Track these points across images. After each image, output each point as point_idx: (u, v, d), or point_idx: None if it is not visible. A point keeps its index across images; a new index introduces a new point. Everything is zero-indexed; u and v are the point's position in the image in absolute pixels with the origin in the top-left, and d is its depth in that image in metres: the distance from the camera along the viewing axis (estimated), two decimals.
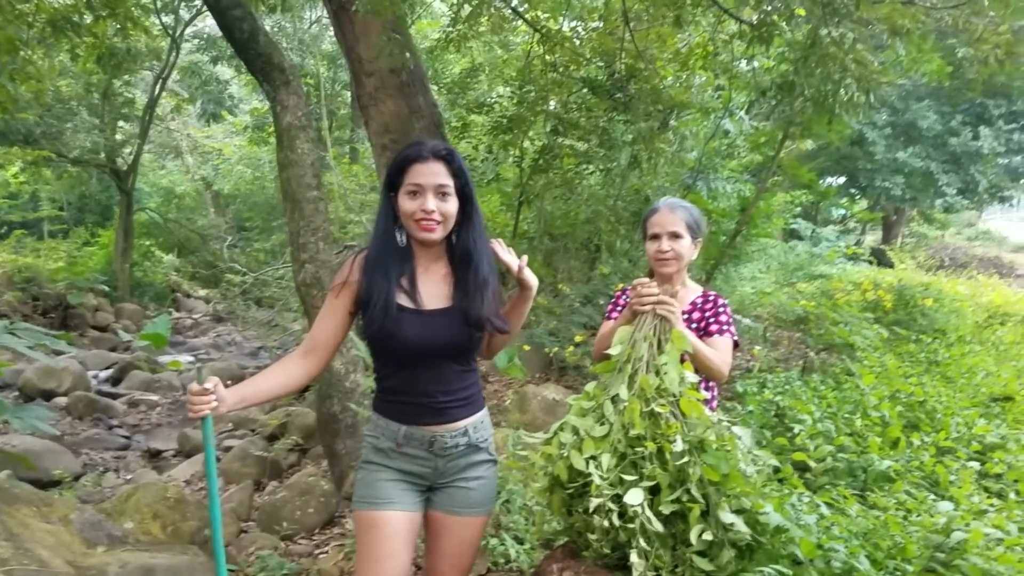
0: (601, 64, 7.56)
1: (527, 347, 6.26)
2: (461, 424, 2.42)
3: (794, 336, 7.68)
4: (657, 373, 2.28)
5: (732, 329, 2.80)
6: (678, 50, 7.30)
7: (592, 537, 2.20)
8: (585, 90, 7.67)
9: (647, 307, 2.43)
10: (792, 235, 15.56)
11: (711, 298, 2.87)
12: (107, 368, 10.84)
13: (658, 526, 2.07)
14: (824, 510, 2.43)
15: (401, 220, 2.32)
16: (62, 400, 8.80)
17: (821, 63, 5.24)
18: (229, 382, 6.65)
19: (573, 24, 7.78)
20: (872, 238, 26.46)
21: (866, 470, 3.44)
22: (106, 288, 15.03)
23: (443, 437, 2.38)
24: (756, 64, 7.56)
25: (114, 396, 9.44)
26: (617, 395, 2.26)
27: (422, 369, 2.35)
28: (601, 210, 7.55)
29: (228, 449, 6.87)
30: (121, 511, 4.11)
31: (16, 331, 3.07)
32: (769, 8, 5.78)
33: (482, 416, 2.50)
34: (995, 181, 19.19)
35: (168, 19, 15.01)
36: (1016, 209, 32.00)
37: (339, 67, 17.59)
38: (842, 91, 5.12)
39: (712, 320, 2.78)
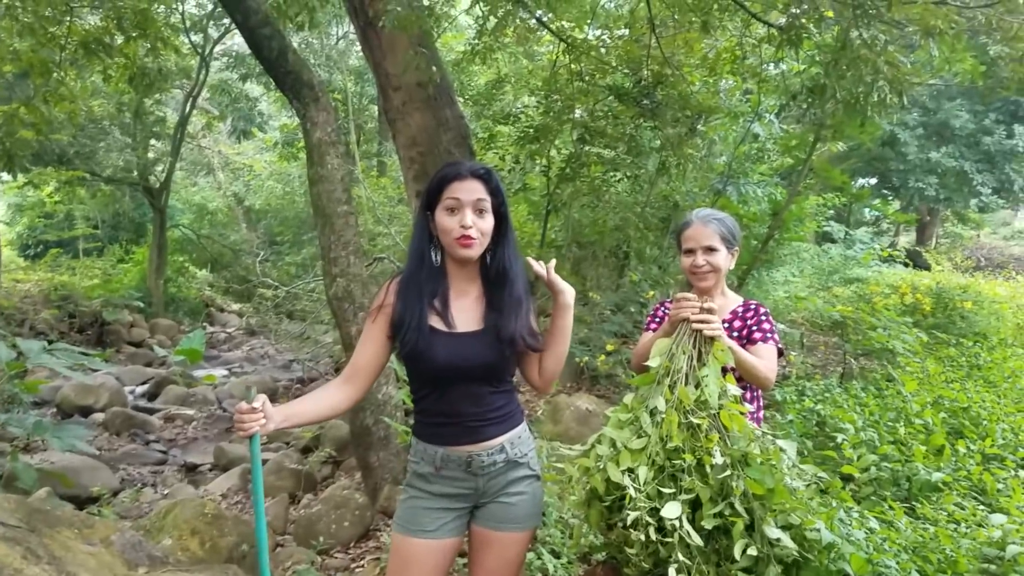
0: (627, 71, 7.53)
1: None
2: (497, 441, 2.40)
3: (830, 341, 7.57)
4: (697, 386, 2.25)
5: (776, 336, 2.76)
6: (705, 55, 7.26)
7: (631, 551, 2.16)
8: (611, 98, 7.65)
9: (686, 319, 2.40)
10: (825, 238, 15.40)
11: (752, 306, 2.85)
12: (143, 383, 10.96)
13: (698, 540, 2.04)
14: (873, 524, 2.37)
15: (438, 238, 2.33)
16: (99, 416, 8.90)
17: (852, 65, 5.18)
18: (264, 395, 6.67)
19: (598, 33, 7.77)
20: (906, 239, 26.13)
21: (911, 480, 3.38)
22: (141, 304, 15.22)
23: (480, 456, 2.37)
24: (784, 67, 7.50)
25: (150, 411, 9.54)
26: (655, 407, 2.23)
27: (454, 390, 2.35)
28: (630, 217, 7.50)
29: (264, 462, 6.90)
30: (159, 528, 4.14)
31: (54, 351, 3.10)
32: (798, 11, 5.74)
33: (520, 431, 2.47)
34: None
35: (197, 38, 15.21)
36: None
37: (366, 82, 17.71)
38: (874, 93, 5.05)
39: (755, 328, 2.76)
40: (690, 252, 2.80)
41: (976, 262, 20.73)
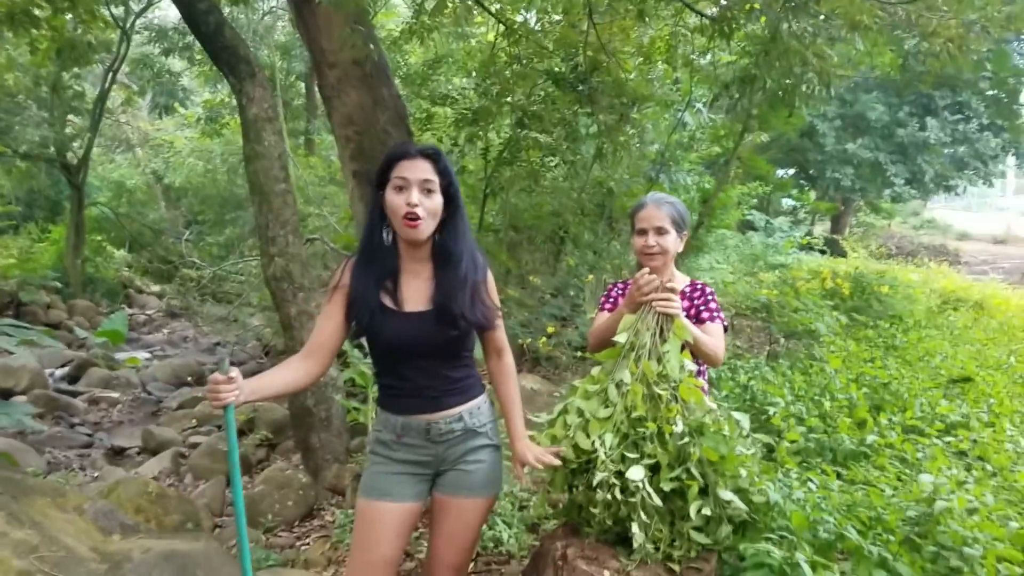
0: (564, 57, 7.61)
1: None
2: (456, 410, 2.50)
3: (755, 324, 7.86)
4: (659, 360, 2.38)
5: (722, 315, 2.93)
6: (640, 43, 7.38)
7: (594, 511, 2.32)
8: (549, 82, 7.72)
9: (648, 299, 2.54)
10: (747, 226, 15.84)
11: (699, 286, 3.01)
12: (63, 366, 10.61)
13: (657, 501, 2.22)
14: (812, 486, 2.53)
15: (388, 218, 2.39)
16: (21, 398, 8.60)
17: (782, 57, 5.37)
18: (190, 378, 6.58)
19: (536, 17, 7.82)
20: (821, 228, 27.01)
21: (835, 450, 3.58)
22: (58, 285, 14.72)
23: (438, 424, 2.48)
24: (714, 58, 7.68)
25: (73, 394, 9.27)
26: (621, 380, 2.35)
27: (407, 365, 2.45)
28: (567, 202, 7.61)
29: (195, 446, 6.82)
30: None
31: (3, 328, 3.02)
32: (727, 3, 5.90)
33: (479, 402, 2.57)
34: (941, 171, 19.74)
35: (118, 11, 14.71)
36: (959, 198, 32.92)
37: (293, 58, 17.37)
38: (803, 84, 5.25)
39: (703, 308, 2.91)
40: (642, 232, 2.93)
41: (888, 250, 21.56)
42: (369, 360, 3.00)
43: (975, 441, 3.63)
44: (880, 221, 28.76)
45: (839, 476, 3.04)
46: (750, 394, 4.46)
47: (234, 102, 16.76)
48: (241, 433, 7.00)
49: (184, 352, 12.56)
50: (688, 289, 2.98)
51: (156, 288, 18.05)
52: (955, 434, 3.76)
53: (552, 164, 8.32)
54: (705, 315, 2.89)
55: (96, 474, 6.63)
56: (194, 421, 7.89)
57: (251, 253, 12.75)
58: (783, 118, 7.47)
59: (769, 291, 6.24)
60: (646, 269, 2.67)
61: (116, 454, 7.46)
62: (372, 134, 6.92)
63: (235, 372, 2.15)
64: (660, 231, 2.89)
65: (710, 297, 2.95)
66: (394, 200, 2.33)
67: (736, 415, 2.38)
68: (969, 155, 19.19)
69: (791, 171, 21.80)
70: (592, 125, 8.02)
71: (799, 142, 19.34)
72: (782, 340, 6.02)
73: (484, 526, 3.51)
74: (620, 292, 3.10)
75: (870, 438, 3.49)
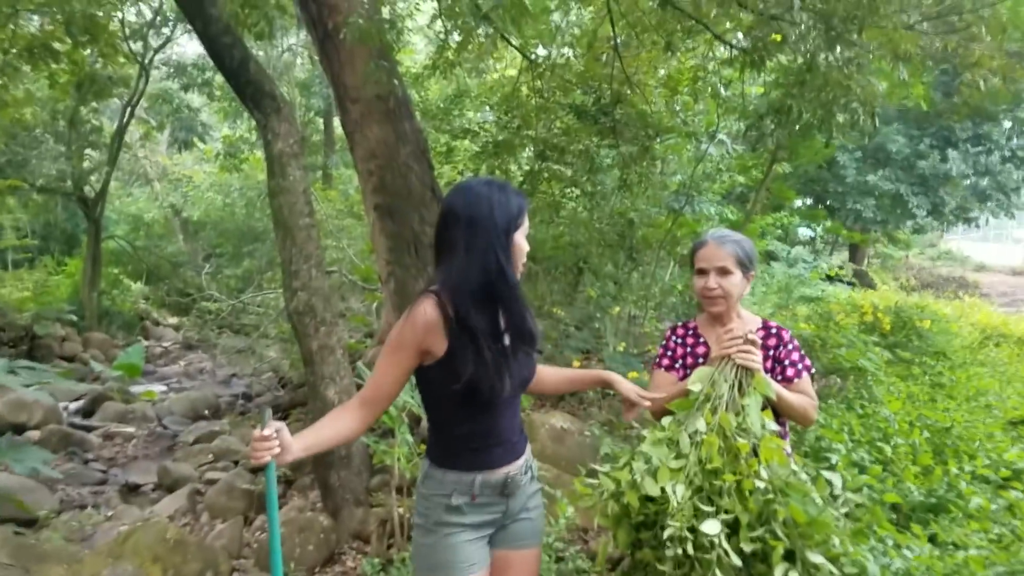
0: (587, 90, 7.55)
1: None
2: (525, 456, 2.39)
3: None
4: (737, 414, 2.22)
5: (807, 362, 2.69)
6: (669, 75, 7.32)
7: (663, 569, 2.10)
8: (570, 115, 7.66)
9: (728, 352, 2.40)
10: (769, 257, 15.70)
11: (773, 331, 2.74)
12: (77, 400, 10.51)
13: (736, 560, 1.99)
14: (907, 552, 2.36)
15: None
16: (34, 434, 8.50)
17: (820, 87, 5.26)
18: (207, 412, 6.44)
19: (560, 51, 7.78)
20: (838, 259, 26.80)
21: (901, 502, 3.38)
22: (73, 318, 14.67)
23: (515, 476, 2.33)
24: (745, 89, 7.60)
25: (87, 429, 9.14)
26: (696, 429, 2.18)
27: (496, 411, 2.29)
28: (590, 234, 7.51)
29: (212, 482, 6.68)
30: (119, 554, 3.93)
31: (16, 369, 2.92)
32: (758, 33, 5.81)
33: (528, 441, 2.46)
34: (962, 203, 19.55)
35: (137, 46, 14.83)
36: (976, 230, 32.66)
37: (312, 94, 17.52)
38: (846, 114, 5.14)
39: (787, 363, 2.66)
40: (702, 273, 2.69)
41: (918, 282, 21.36)
42: (420, 404, 2.79)
43: None
44: (898, 252, 28.51)
45: (931, 539, 2.83)
46: (804, 439, 4.27)
47: (253, 137, 17.01)
48: (257, 469, 6.86)
49: (201, 384, 12.46)
50: (762, 334, 2.69)
51: (173, 320, 18.04)
52: None
53: (572, 195, 8.24)
54: (791, 371, 2.63)
55: (111, 512, 6.49)
56: (211, 456, 7.75)
57: (269, 285, 12.72)
58: (813, 149, 7.36)
59: (807, 325, 6.08)
60: (732, 324, 2.52)
61: (131, 491, 7.32)
62: (394, 168, 6.88)
63: (277, 426, 2.02)
64: (723, 272, 2.63)
65: (791, 347, 2.68)
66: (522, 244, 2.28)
67: (827, 474, 2.15)
68: (991, 187, 19.01)
69: (808, 201, 21.64)
70: (611, 157, 7.94)
71: (818, 173, 19.20)
72: (835, 379, 5.78)
73: None
74: (680, 342, 2.84)
75: (935, 491, 3.30)
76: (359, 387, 5.46)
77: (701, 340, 2.77)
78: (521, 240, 2.25)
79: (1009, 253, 36.15)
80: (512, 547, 2.36)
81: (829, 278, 13.45)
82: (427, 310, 2.16)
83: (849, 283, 15.08)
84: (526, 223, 2.28)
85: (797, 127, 6.41)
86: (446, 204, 2.28)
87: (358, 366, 5.99)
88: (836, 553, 2.07)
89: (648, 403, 2.51)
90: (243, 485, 6.24)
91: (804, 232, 21.11)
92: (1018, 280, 30.17)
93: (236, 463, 7.35)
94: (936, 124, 18.08)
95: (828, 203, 20.27)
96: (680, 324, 2.88)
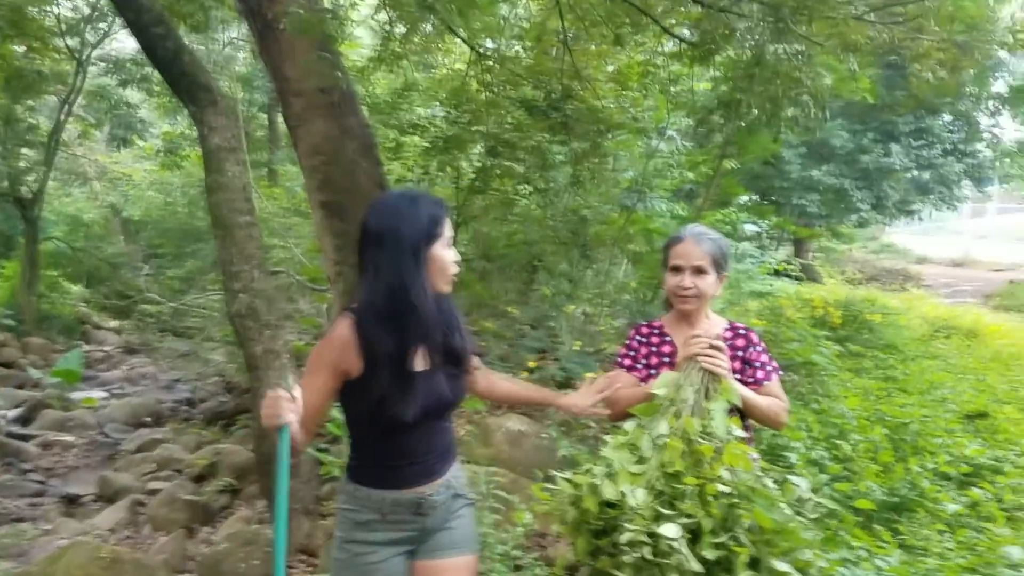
0: (537, 84, 7.43)
1: None
2: (445, 477, 2.31)
3: None
4: (702, 419, 2.12)
5: (774, 363, 2.61)
6: (619, 69, 7.23)
7: None
8: (521, 110, 7.53)
9: (694, 355, 2.31)
10: None
11: (741, 332, 2.65)
12: (15, 407, 10.11)
13: (697, 566, 1.90)
14: (881, 564, 2.27)
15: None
16: None
17: (770, 80, 5.20)
18: (149, 419, 6.22)
19: (509, 44, 7.65)
20: (783, 254, 27.14)
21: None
22: (11, 322, 14.18)
23: (430, 497, 2.26)
24: (693, 85, 7.56)
25: (25, 438, 8.76)
26: (659, 433, 2.08)
27: (414, 432, 2.23)
28: (544, 231, 7.40)
29: (154, 492, 6.43)
30: (50, 575, 3.71)
31: None
32: (707, 27, 5.75)
33: (457, 461, 2.41)
34: (904, 196, 19.89)
35: (73, 42, 14.35)
36: (917, 223, 33.39)
37: (254, 89, 17.15)
38: (797, 107, 5.08)
39: (757, 365, 2.58)
40: (677, 271, 2.59)
41: (864, 275, 21.69)
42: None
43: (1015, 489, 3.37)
44: (841, 246, 28.95)
45: (902, 545, 2.75)
46: (760, 437, 4.19)
47: (194, 133, 16.55)
48: (201, 478, 6.64)
49: (143, 390, 12.07)
50: (729, 335, 2.62)
51: (114, 324, 17.53)
52: (989, 480, 3.54)
53: (525, 192, 8.11)
54: (760, 374, 2.56)
55: (48, 526, 6.20)
56: (154, 465, 7.47)
57: (212, 287, 12.41)
58: (761, 144, 7.35)
59: (758, 321, 6.04)
60: (699, 328, 2.45)
61: (70, 502, 7.02)
62: (340, 164, 6.68)
63: (298, 392, 1.96)
64: (698, 271, 2.55)
65: (760, 348, 2.61)
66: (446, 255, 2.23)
67: (794, 479, 2.08)
68: (933, 180, 19.35)
69: (755, 197, 21.84)
70: (563, 153, 7.84)
71: (763, 169, 19.36)
72: (788, 375, 5.75)
73: None
74: (643, 340, 2.73)
75: (897, 489, 3.25)
76: None
77: (667, 339, 2.68)
78: (442, 252, 2.20)
79: (949, 245, 37.06)
80: (439, 557, 2.31)
81: (776, 273, 13.52)
82: (342, 330, 2.16)
83: (796, 278, 15.22)
84: (447, 233, 2.22)
85: (745, 122, 6.37)
86: (362, 222, 2.25)
87: None
88: (804, 563, 1.98)
89: (596, 399, 2.45)
90: (186, 496, 6.02)
91: (750, 228, 21.31)
92: (958, 272, 30.93)
93: (179, 472, 7.10)
94: (878, 119, 18.35)
95: (773, 199, 20.47)
96: (644, 323, 2.79)
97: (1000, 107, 11.90)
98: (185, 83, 5.28)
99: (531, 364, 6.15)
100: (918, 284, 22.11)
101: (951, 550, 2.58)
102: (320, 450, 4.56)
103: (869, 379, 5.67)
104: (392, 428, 2.18)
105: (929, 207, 20.84)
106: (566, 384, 6.22)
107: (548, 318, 7.01)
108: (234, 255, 5.17)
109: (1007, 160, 17.92)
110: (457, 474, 2.39)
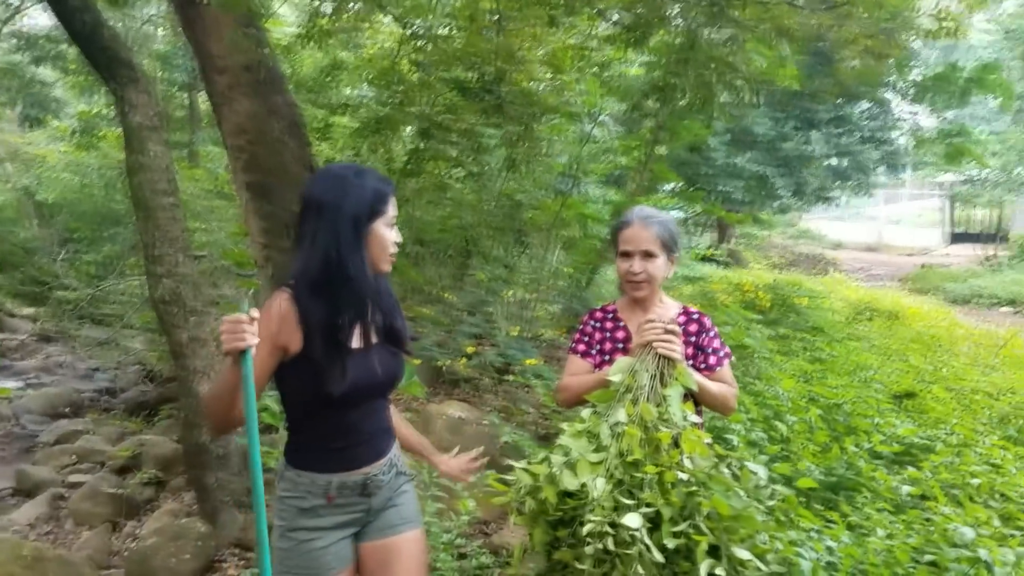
0: (471, 65, 7.32)
1: (417, 360, 5.93)
2: (388, 456, 2.28)
3: None
4: (658, 405, 2.09)
5: (727, 349, 2.61)
6: (552, 52, 7.17)
7: (581, 568, 1.95)
8: (454, 91, 7.42)
9: (649, 341, 2.27)
10: None
11: (695, 317, 2.63)
12: None
13: (659, 556, 1.87)
14: (833, 545, 2.27)
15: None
16: None
17: (704, 64, 5.22)
18: (67, 409, 5.97)
19: (441, 24, 7.52)
20: (706, 239, 27.63)
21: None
22: None
23: (377, 477, 2.21)
24: (625, 71, 7.55)
25: None
26: (616, 420, 2.03)
27: (360, 412, 2.19)
28: (478, 216, 7.31)
29: (75, 486, 6.17)
30: None
31: None
32: (641, 10, 5.74)
33: (395, 439, 2.38)
34: (823, 183, 20.37)
35: None
36: (834, 209, 34.36)
37: (174, 67, 16.60)
38: (730, 92, 5.11)
39: (710, 351, 2.57)
40: (626, 256, 2.55)
41: (787, 260, 22.22)
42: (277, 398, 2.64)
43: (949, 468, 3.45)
44: (761, 232, 29.57)
45: (851, 527, 2.78)
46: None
47: (111, 112, 15.94)
48: (125, 470, 6.40)
49: (61, 379, 11.59)
50: (683, 320, 2.59)
51: (29, 311, 16.82)
52: (922, 459, 3.62)
53: (458, 176, 8.01)
54: (712, 359, 2.55)
55: None
56: (74, 457, 7.16)
57: (132, 272, 12.00)
58: (692, 130, 7.39)
59: (693, 306, 6.10)
60: (653, 312, 2.41)
61: None
62: (266, 144, 6.51)
63: (256, 313, 1.86)
64: (647, 255, 2.51)
65: (713, 333, 2.60)
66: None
67: (752, 465, 2.06)
68: (851, 167, 19.86)
69: (681, 184, 22.10)
70: (497, 136, 7.76)
71: (688, 156, 19.58)
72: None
73: None
74: (597, 326, 2.69)
75: (840, 468, 3.30)
76: None
77: (621, 324, 2.65)
78: (381, 230, 2.15)
79: (863, 231, 38.28)
80: (384, 535, 2.27)
81: (704, 259, 13.72)
82: (281, 303, 2.09)
83: (723, 263, 15.50)
84: (391, 212, 2.17)
85: (679, 106, 6.39)
86: (303, 190, 2.21)
87: None
88: (763, 549, 1.97)
89: (470, 478, 2.55)
90: (109, 489, 5.78)
91: (675, 214, 21.59)
92: (872, 256, 32.02)
93: (101, 464, 6.83)
94: (799, 107, 18.72)
95: (699, 185, 20.77)
96: (598, 308, 2.76)
97: (919, 95, 12.28)
98: (104, 59, 5.04)
99: (469, 350, 6.08)
100: (835, 268, 22.76)
101: (901, 530, 2.62)
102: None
103: (800, 361, 5.78)
104: (331, 405, 2.11)
105: (846, 194, 21.37)
106: (505, 371, 6.17)
107: (484, 304, 6.95)
108: (157, 238, 4.97)
109: (919, 148, 18.50)
110: (398, 452, 2.36)
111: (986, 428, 4.28)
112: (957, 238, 33.38)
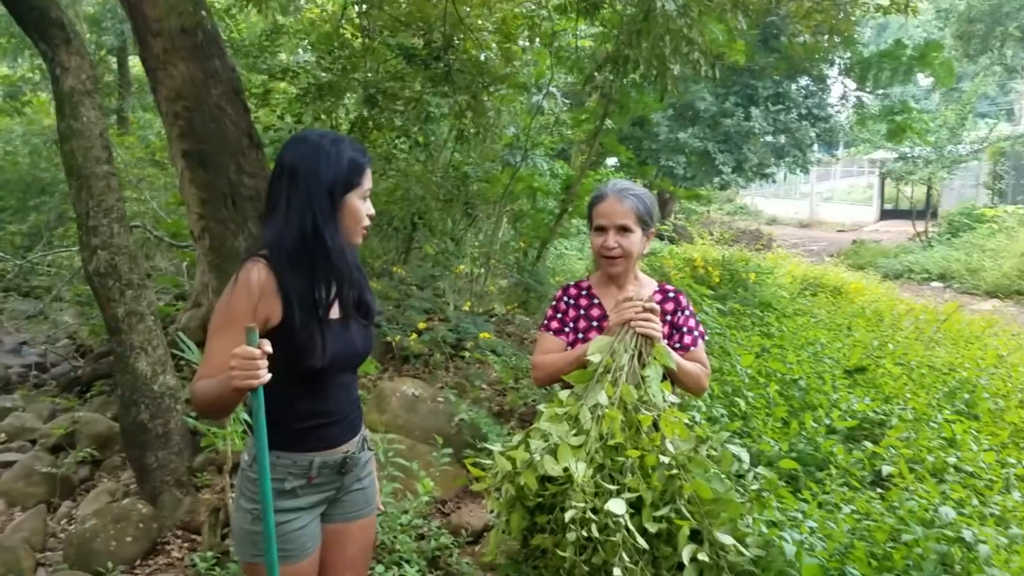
0: (417, 32, 7.14)
1: None
2: (361, 432, 2.25)
3: None
4: (638, 386, 2.01)
5: (701, 328, 2.54)
6: (503, 19, 7.03)
7: (564, 555, 1.87)
8: (400, 58, 7.22)
9: (627, 320, 2.20)
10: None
11: (671, 295, 2.55)
12: None
13: (642, 543, 1.82)
14: (810, 524, 2.23)
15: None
16: None
17: (660, 36, 5.14)
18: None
19: None
20: None
21: (761, 457, 3.33)
22: None
23: (353, 454, 2.17)
24: (576, 42, 7.45)
25: None
26: (596, 403, 1.95)
27: (338, 386, 2.14)
28: (426, 187, 7.14)
29: (7, 465, 5.89)
30: None
31: None
32: None
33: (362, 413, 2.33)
34: (762, 159, 20.60)
35: None
36: (771, 185, 34.95)
37: (103, 31, 15.99)
38: (680, 65, 5.04)
39: (685, 330, 2.49)
40: (601, 231, 2.46)
41: (732, 235, 22.46)
42: None
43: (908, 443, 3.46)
44: (700, 208, 29.88)
45: (820, 506, 2.74)
46: None
47: (37, 76, 15.28)
48: (58, 449, 6.14)
49: None
50: (659, 298, 2.49)
51: None
52: (879, 433, 3.63)
53: (405, 146, 7.83)
54: (688, 339, 2.47)
55: None
56: (3, 435, 6.87)
57: (60, 243, 11.55)
58: (643, 103, 7.34)
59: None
60: (629, 289, 2.34)
61: None
62: (204, 110, 6.26)
63: (268, 346, 1.75)
64: (623, 230, 2.42)
65: (688, 312, 2.52)
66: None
67: (734, 448, 2.01)
68: (789, 144, 20.09)
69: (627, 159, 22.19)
70: (445, 105, 7.59)
71: (632, 131, 19.61)
72: None
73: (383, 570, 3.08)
74: (571, 303, 2.59)
75: (800, 444, 3.28)
76: (175, 357, 4.93)
77: (596, 302, 2.56)
78: (356, 202, 2.07)
79: (797, 207, 39.04)
80: (347, 519, 2.23)
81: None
82: (259, 272, 1.98)
83: (670, 239, 15.56)
84: (366, 184, 2.09)
85: (632, 79, 6.31)
86: (278, 155, 2.12)
87: (172, 333, 5.40)
88: (745, 532, 1.92)
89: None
90: (43, 468, 5.53)
91: None
92: (805, 232, 32.77)
93: (33, 443, 6.54)
94: (741, 83, 18.86)
95: (643, 160, 20.84)
96: (572, 283, 2.66)
97: (863, 72, 12.42)
98: (34, 18, 4.76)
99: (421, 326, 5.95)
100: (773, 244, 23.14)
101: (875, 510, 2.60)
102: (194, 418, 4.24)
103: (755, 336, 5.79)
104: (309, 379, 2.05)
105: (784, 170, 21.65)
106: (458, 346, 6.06)
107: (434, 278, 6.82)
108: (91, 208, 4.73)
109: (861, 125, 18.83)
110: (363, 425, 2.32)
111: (938, 402, 4.34)
112: (887, 214, 34.28)
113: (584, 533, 1.82)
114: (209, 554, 3.35)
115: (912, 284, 17.60)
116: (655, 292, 2.52)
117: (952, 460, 3.18)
